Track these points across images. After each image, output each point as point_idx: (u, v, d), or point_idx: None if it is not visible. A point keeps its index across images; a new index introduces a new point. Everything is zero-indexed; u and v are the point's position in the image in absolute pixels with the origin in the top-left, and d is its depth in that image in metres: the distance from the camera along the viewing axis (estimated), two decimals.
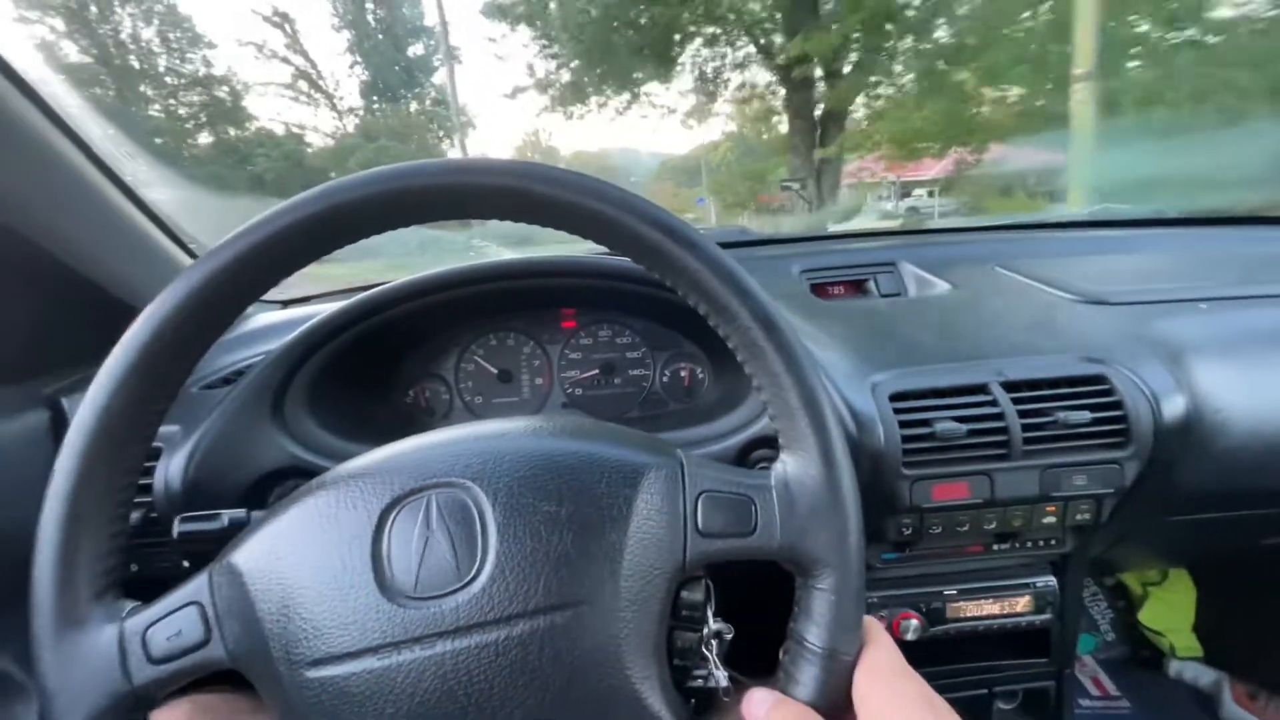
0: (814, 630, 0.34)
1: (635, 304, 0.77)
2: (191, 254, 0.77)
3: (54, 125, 0.58)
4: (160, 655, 0.33)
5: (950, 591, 0.72)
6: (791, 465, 0.35)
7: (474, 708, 0.32)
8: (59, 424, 0.64)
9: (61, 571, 0.32)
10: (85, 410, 0.33)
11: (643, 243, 0.35)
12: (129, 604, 0.35)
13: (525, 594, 0.32)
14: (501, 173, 0.34)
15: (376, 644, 0.32)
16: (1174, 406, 0.63)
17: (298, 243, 0.35)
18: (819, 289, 0.91)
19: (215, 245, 0.34)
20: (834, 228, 1.34)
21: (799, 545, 0.34)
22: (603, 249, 0.41)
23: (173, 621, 0.33)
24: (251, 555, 0.34)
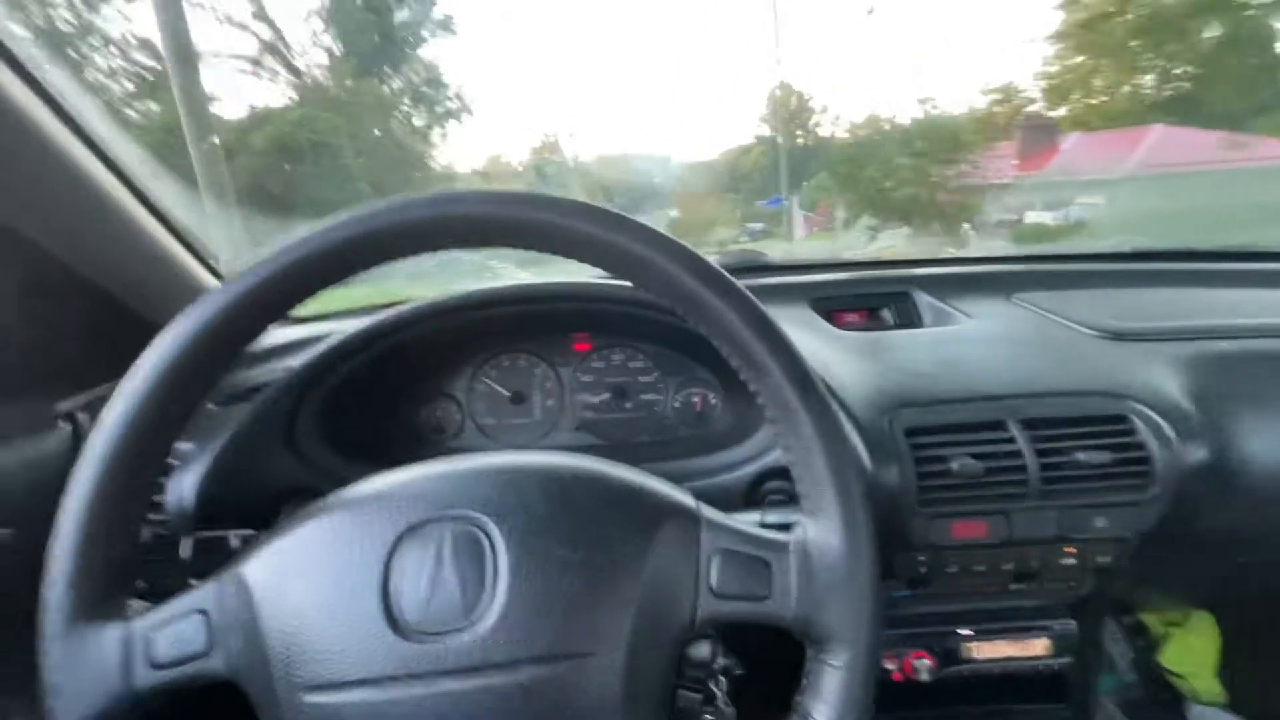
0: (822, 709, 0.33)
1: (649, 329, 0.77)
2: (211, 268, 0.77)
3: (66, 127, 0.58)
4: (162, 661, 0.33)
5: (965, 632, 0.71)
6: (813, 531, 0.35)
7: None
8: (78, 441, 0.65)
9: (77, 565, 0.33)
10: (112, 413, 0.33)
11: (678, 287, 0.35)
12: (138, 605, 0.35)
13: (532, 639, 0.32)
14: (546, 207, 0.34)
15: (378, 675, 0.31)
16: (1197, 448, 0.62)
17: (324, 267, 0.35)
18: (832, 316, 0.91)
19: (248, 267, 0.35)
20: (848, 255, 1.34)
21: (814, 617, 0.33)
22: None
23: (178, 627, 0.34)
24: (260, 569, 0.34)
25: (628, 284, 0.70)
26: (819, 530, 0.34)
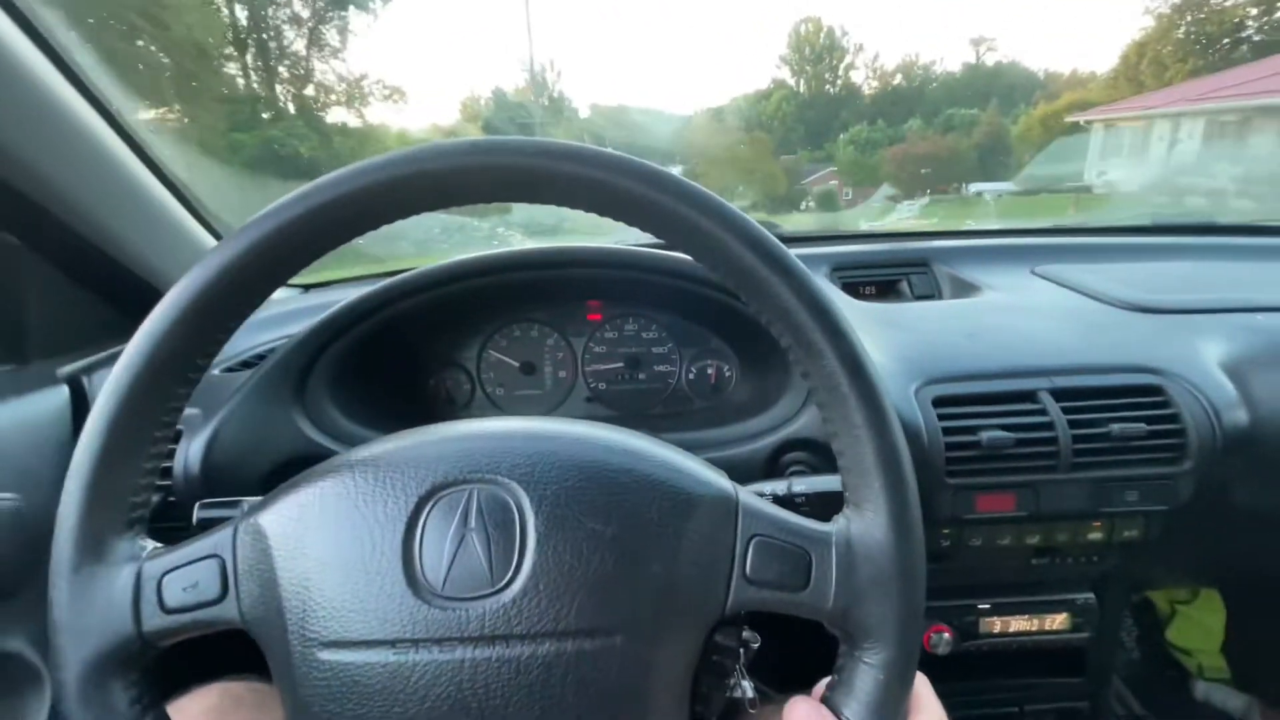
0: (853, 707, 0.31)
1: (662, 297, 0.75)
2: (215, 233, 0.75)
3: (81, 96, 0.56)
4: (174, 605, 0.32)
5: (984, 605, 0.70)
6: (857, 524, 0.33)
7: None
8: (80, 404, 0.63)
9: (91, 498, 0.31)
10: (131, 352, 0.32)
11: (734, 261, 0.32)
12: (151, 545, 0.34)
13: (556, 613, 0.30)
14: (590, 162, 0.31)
15: (395, 637, 0.30)
16: (1235, 420, 0.60)
17: (327, 225, 0.33)
18: (850, 288, 0.89)
19: (246, 222, 0.33)
20: (865, 226, 1.31)
21: (852, 612, 0.32)
22: (635, 238, 0.38)
23: (191, 571, 0.32)
24: (279, 519, 0.33)
25: (639, 248, 0.69)
26: (864, 521, 0.33)
